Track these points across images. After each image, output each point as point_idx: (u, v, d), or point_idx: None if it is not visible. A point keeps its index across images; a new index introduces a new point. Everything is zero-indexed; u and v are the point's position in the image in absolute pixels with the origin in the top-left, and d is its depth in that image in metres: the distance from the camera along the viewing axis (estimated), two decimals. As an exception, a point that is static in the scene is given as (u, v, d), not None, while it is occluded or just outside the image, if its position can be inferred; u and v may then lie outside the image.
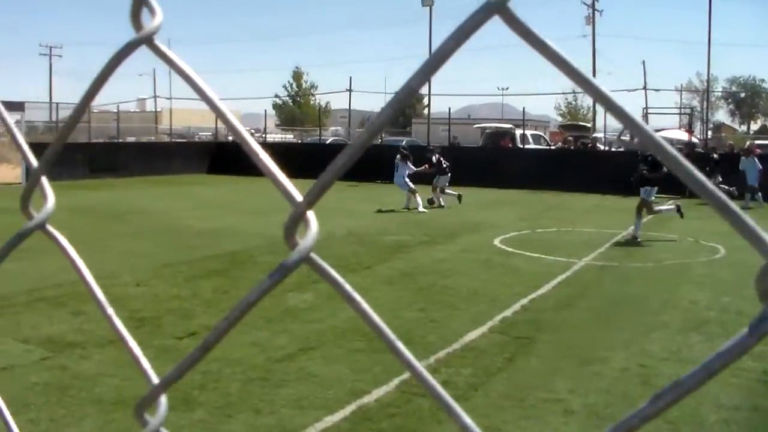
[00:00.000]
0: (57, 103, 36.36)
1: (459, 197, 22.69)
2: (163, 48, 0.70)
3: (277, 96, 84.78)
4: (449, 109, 37.95)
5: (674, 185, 17.69)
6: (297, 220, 0.66)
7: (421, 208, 21.02)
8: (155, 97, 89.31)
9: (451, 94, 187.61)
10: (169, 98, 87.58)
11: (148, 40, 0.70)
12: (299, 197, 0.65)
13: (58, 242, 0.98)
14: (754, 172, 24.23)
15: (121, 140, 38.47)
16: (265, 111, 45.24)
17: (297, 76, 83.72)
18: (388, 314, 9.23)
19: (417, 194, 21.27)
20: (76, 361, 7.23)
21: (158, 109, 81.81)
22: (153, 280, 11.12)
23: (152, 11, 0.70)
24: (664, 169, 15.53)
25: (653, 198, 16.26)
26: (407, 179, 21.69)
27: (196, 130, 62.34)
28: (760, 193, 24.02)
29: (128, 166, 33.93)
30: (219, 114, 0.71)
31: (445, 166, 22.70)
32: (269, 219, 17.37)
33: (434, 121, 43.68)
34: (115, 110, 45.80)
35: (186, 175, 34.52)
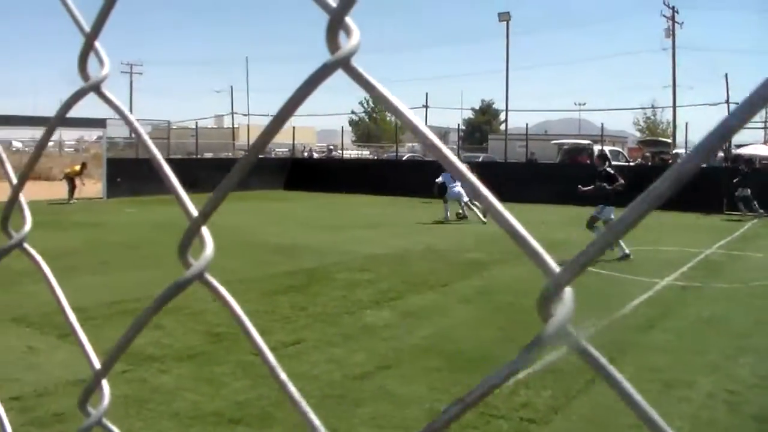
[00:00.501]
0: (137, 120, 37.27)
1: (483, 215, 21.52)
2: (111, 96, 0.69)
3: (353, 112, 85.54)
4: (527, 125, 37.63)
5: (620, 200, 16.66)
6: (191, 237, 0.66)
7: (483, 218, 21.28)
8: (232, 113, 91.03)
9: (528, 110, 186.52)
10: (246, 114, 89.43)
11: (95, 88, 0.70)
12: (195, 212, 0.66)
13: (34, 260, 1.06)
14: None
15: (199, 156, 39.25)
16: (342, 127, 45.71)
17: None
18: (465, 332, 9.17)
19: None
20: (154, 375, 7.36)
21: (235, 125, 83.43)
22: (230, 295, 11.26)
23: (101, 61, 0.69)
24: (606, 185, 15.02)
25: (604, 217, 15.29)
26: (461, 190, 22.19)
27: (272, 146, 63.15)
28: None
29: (206, 181, 34.45)
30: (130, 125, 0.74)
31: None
32: (345, 235, 17.49)
33: (511, 137, 43.47)
34: (193, 126, 46.76)
35: (263, 190, 34.97)
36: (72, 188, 29.84)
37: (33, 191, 31.43)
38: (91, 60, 0.81)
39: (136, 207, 27.43)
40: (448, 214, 22.62)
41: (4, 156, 1.12)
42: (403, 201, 30.14)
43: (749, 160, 30.13)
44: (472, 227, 20.79)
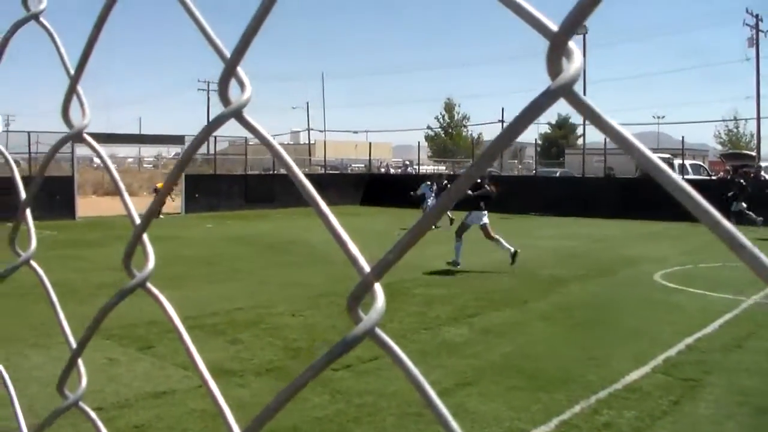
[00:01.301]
0: (215, 137, 37.63)
1: (451, 221, 23.86)
2: (251, 121, 0.76)
3: (429, 128, 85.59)
4: (605, 139, 36.95)
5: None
6: (362, 293, 0.64)
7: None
8: (308, 129, 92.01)
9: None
10: (323, 131, 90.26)
11: (237, 114, 0.75)
12: (366, 267, 0.64)
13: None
14: None
15: (275, 172, 39.75)
16: (419, 143, 45.66)
17: (449, 107, 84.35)
18: (545, 350, 9.05)
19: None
20: (232, 389, 7.45)
21: (311, 141, 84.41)
22: (309, 310, 11.35)
23: (241, 85, 0.74)
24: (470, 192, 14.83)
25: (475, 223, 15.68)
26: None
27: (348, 162, 63.67)
28: None
29: (283, 197, 35.00)
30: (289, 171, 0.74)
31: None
32: (423, 251, 17.42)
33: (589, 152, 42.86)
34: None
35: (339, 206, 35.24)
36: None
37: (114, 207, 32.42)
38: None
39: (214, 222, 27.95)
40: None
41: (15, 170, 1.19)
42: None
43: (745, 172, 30.20)
44: (552, 243, 20.56)
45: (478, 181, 15.36)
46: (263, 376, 7.85)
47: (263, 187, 35.41)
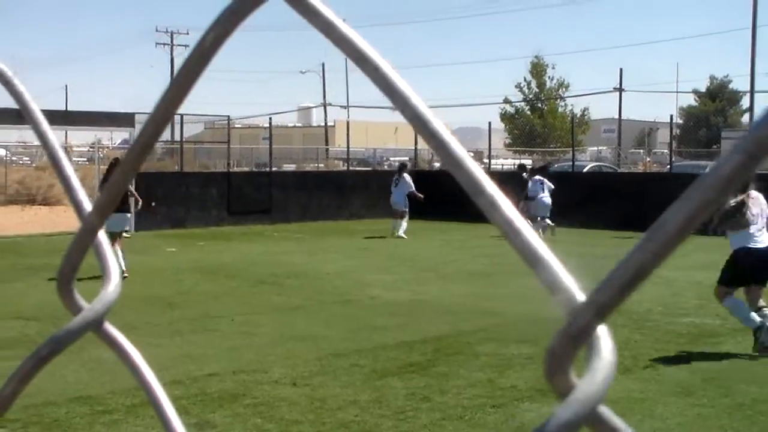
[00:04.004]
0: (182, 115, 37.11)
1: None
2: None
3: (506, 101, 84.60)
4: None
5: None
6: (579, 340, 0.59)
7: (401, 233, 29.99)
8: (324, 104, 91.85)
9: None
10: (345, 106, 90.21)
11: None
12: (578, 294, 0.61)
13: (117, 347, 0.98)
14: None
15: (275, 168, 39.71)
16: (489, 124, 45.14)
17: (537, 69, 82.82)
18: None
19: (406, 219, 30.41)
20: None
21: (330, 123, 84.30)
22: (318, 377, 11.31)
23: None
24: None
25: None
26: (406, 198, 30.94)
27: (385, 153, 63.79)
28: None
29: (284, 206, 35.06)
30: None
31: None
32: (492, 287, 17.38)
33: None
34: (266, 125, 46.52)
35: (369, 219, 35.19)
36: None
37: (23, 221, 32.67)
38: None
39: (177, 244, 28.06)
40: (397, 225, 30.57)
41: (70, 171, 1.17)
42: (585, 233, 29.76)
43: None
44: (695, 276, 20.32)
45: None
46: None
47: (255, 192, 35.39)
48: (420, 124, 0.63)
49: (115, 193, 0.88)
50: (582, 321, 0.58)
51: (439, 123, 0.63)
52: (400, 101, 0.63)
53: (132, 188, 22.25)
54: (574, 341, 0.58)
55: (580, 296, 0.60)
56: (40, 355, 0.85)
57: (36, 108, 0.94)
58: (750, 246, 12.60)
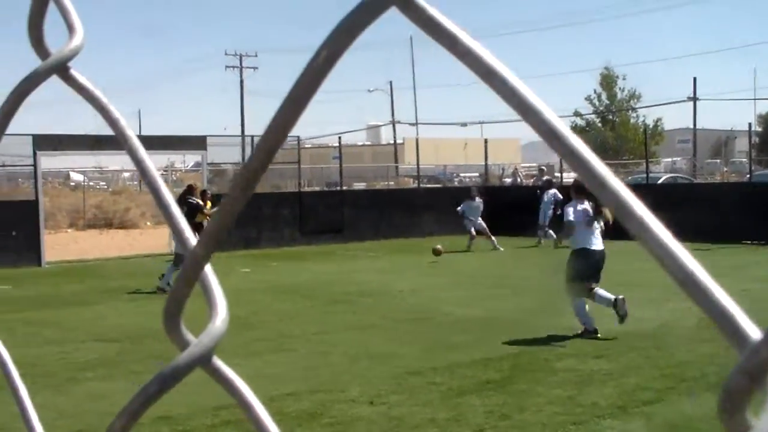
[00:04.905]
0: (252, 137, 37.50)
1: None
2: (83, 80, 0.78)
3: (576, 114, 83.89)
4: None
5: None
6: (757, 377, 0.55)
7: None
8: (393, 122, 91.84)
9: None
10: (414, 124, 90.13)
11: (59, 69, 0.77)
12: (750, 328, 0.56)
13: (228, 384, 0.90)
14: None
15: (345, 188, 39.73)
16: (560, 137, 45.09)
17: (607, 80, 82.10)
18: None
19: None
20: None
21: (399, 140, 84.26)
22: (394, 395, 11.30)
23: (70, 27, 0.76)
24: None
25: None
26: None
27: (454, 170, 63.59)
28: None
29: (356, 225, 35.06)
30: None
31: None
32: (569, 303, 17.26)
33: None
34: (336, 144, 46.61)
35: (442, 236, 35.00)
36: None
37: (101, 245, 33.03)
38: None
39: (251, 264, 28.17)
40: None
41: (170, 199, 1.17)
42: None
43: None
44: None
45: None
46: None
47: (327, 211, 35.45)
48: (555, 139, 0.61)
49: (226, 223, 0.85)
50: (759, 357, 0.54)
51: (577, 140, 0.61)
52: (532, 116, 0.62)
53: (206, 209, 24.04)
54: (751, 378, 0.54)
55: (753, 330, 0.55)
56: (148, 393, 0.81)
57: (132, 134, 0.94)
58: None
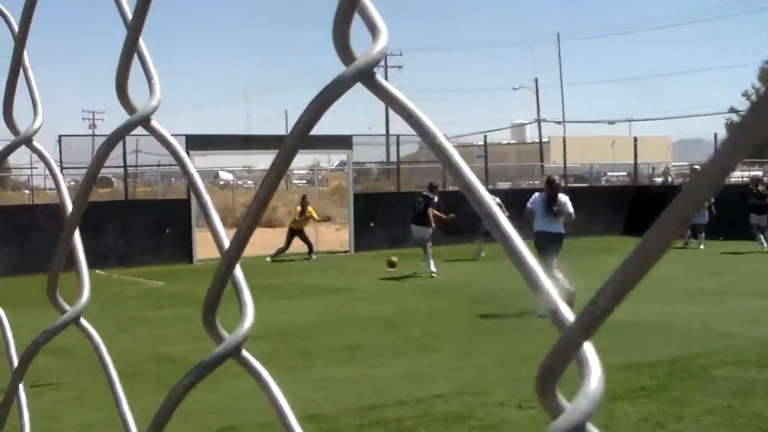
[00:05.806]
0: (398, 136, 37.54)
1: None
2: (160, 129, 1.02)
3: (732, 110, 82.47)
4: None
5: None
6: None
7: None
8: (539, 120, 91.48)
9: None
10: (560, 122, 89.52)
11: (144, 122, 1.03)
12: (571, 316, 0.67)
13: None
14: None
15: (490, 186, 39.63)
16: (715, 136, 44.02)
17: (766, 75, 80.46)
18: None
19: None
20: None
21: (545, 139, 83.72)
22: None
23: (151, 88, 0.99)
24: None
25: None
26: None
27: (602, 169, 62.84)
28: None
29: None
30: None
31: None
32: (727, 307, 16.94)
33: None
34: (480, 143, 46.60)
35: (589, 237, 34.62)
36: (304, 239, 31.06)
37: (255, 242, 33.47)
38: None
39: (398, 262, 28.17)
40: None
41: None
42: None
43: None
44: None
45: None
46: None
47: (470, 210, 35.26)
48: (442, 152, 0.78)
49: (250, 230, 1.01)
50: (571, 339, 0.63)
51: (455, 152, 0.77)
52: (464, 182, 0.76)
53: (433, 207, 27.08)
54: (562, 359, 0.64)
55: (570, 315, 0.66)
56: (198, 371, 0.98)
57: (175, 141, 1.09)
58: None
